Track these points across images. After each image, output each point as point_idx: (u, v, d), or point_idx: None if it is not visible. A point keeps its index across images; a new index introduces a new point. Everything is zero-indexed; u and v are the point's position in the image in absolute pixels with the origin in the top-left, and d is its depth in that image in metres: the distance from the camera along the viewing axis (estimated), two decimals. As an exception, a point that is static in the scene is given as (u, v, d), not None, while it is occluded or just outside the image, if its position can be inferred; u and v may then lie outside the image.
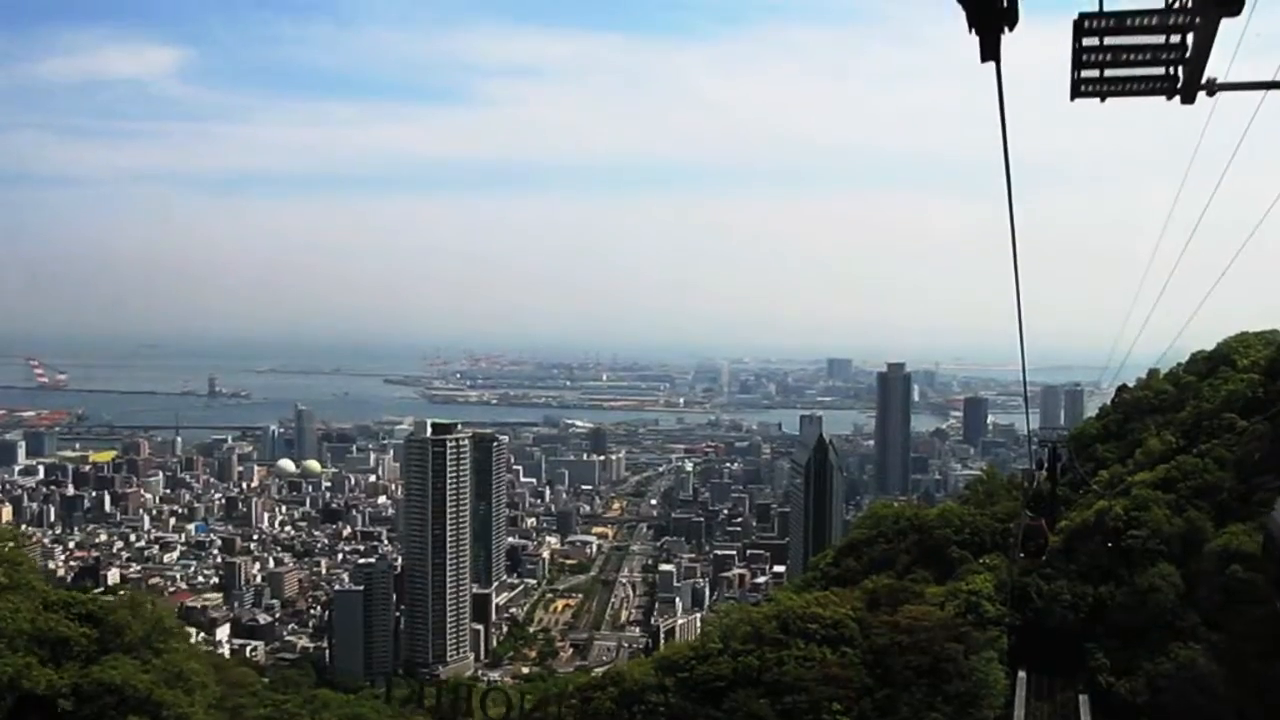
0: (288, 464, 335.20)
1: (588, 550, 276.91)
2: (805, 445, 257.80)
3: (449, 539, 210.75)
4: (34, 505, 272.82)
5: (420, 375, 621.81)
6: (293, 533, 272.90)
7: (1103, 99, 7.93)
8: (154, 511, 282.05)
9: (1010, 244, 10.90)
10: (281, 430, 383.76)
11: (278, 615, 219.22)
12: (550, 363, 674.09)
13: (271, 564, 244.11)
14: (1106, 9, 7.54)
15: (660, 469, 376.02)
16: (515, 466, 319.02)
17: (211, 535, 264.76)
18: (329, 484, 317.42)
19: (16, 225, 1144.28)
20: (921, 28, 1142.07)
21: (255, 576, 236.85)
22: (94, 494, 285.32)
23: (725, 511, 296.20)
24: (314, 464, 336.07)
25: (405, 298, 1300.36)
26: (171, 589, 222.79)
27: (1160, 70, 7.74)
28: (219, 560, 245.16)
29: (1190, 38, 7.47)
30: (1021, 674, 51.98)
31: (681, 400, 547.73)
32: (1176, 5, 7.39)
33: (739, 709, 51.50)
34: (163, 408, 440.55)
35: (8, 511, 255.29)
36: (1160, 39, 7.53)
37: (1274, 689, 42.77)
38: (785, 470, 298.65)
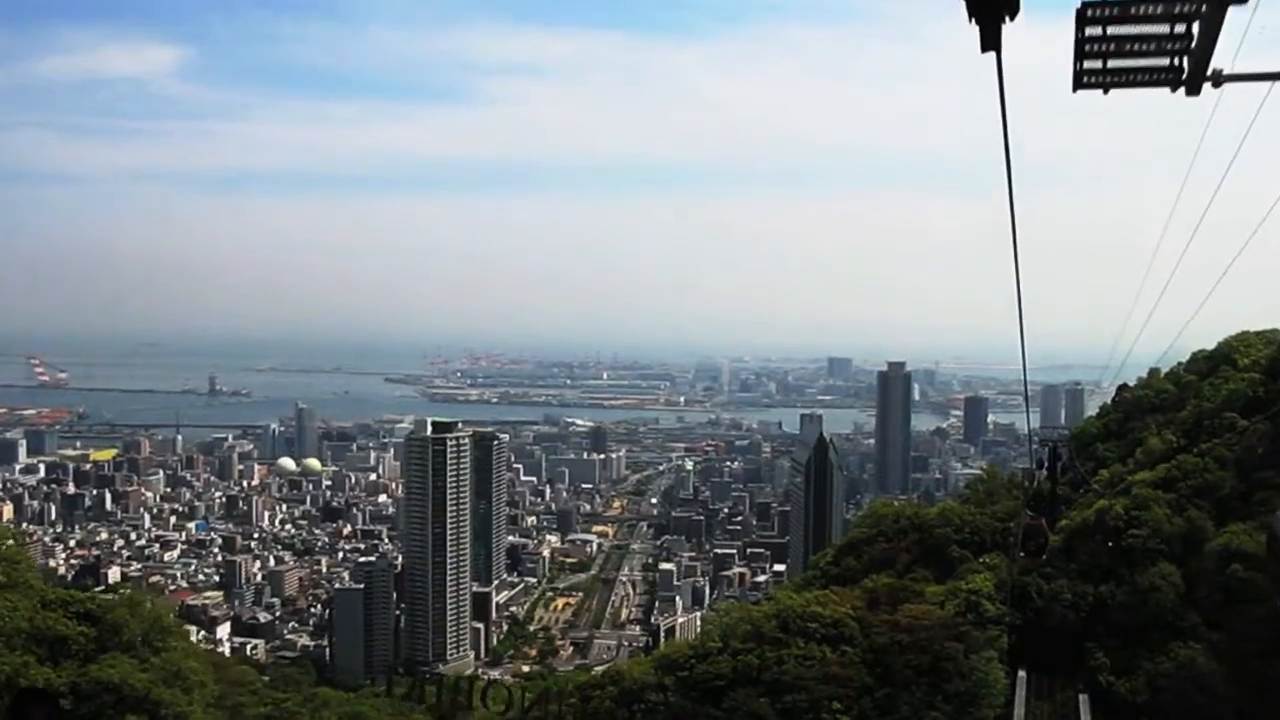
0: (288, 462, 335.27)
1: (588, 549, 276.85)
2: (805, 444, 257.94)
3: (449, 537, 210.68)
4: (35, 503, 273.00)
5: (421, 374, 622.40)
6: (293, 531, 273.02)
7: (1106, 90, 7.75)
8: (154, 510, 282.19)
9: (1011, 241, 10.82)
10: (282, 429, 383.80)
11: (278, 613, 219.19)
12: (550, 361, 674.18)
13: (272, 562, 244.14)
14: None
15: (660, 468, 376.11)
16: (515, 465, 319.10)
17: (212, 533, 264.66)
18: (329, 482, 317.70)
19: (17, 224, 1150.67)
20: (921, 26, 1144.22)
21: (256, 575, 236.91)
22: (95, 492, 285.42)
23: (725, 510, 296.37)
24: (314, 462, 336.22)
25: (406, 296, 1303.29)
26: (172, 587, 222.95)
27: (1165, 61, 7.58)
28: (219, 558, 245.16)
29: (1196, 27, 7.32)
30: (1021, 673, 51.85)
31: (682, 399, 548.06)
32: None
33: (739, 708, 51.34)
34: (163, 406, 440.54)
35: (9, 510, 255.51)
36: (1165, 28, 7.37)
37: (1275, 688, 42.65)
38: (785, 469, 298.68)
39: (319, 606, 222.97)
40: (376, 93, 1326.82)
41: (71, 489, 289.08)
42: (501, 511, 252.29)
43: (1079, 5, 7.35)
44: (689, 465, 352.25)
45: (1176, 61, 7.58)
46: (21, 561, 39.91)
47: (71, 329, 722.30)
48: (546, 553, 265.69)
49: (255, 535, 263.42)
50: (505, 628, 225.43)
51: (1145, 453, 67.64)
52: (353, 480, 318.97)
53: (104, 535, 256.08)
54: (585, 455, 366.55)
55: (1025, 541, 43.53)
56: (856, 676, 51.87)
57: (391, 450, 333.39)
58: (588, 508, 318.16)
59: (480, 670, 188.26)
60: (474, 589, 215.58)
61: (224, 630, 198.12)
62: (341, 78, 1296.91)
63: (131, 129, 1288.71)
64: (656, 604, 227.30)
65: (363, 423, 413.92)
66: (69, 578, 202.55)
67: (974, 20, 5.72)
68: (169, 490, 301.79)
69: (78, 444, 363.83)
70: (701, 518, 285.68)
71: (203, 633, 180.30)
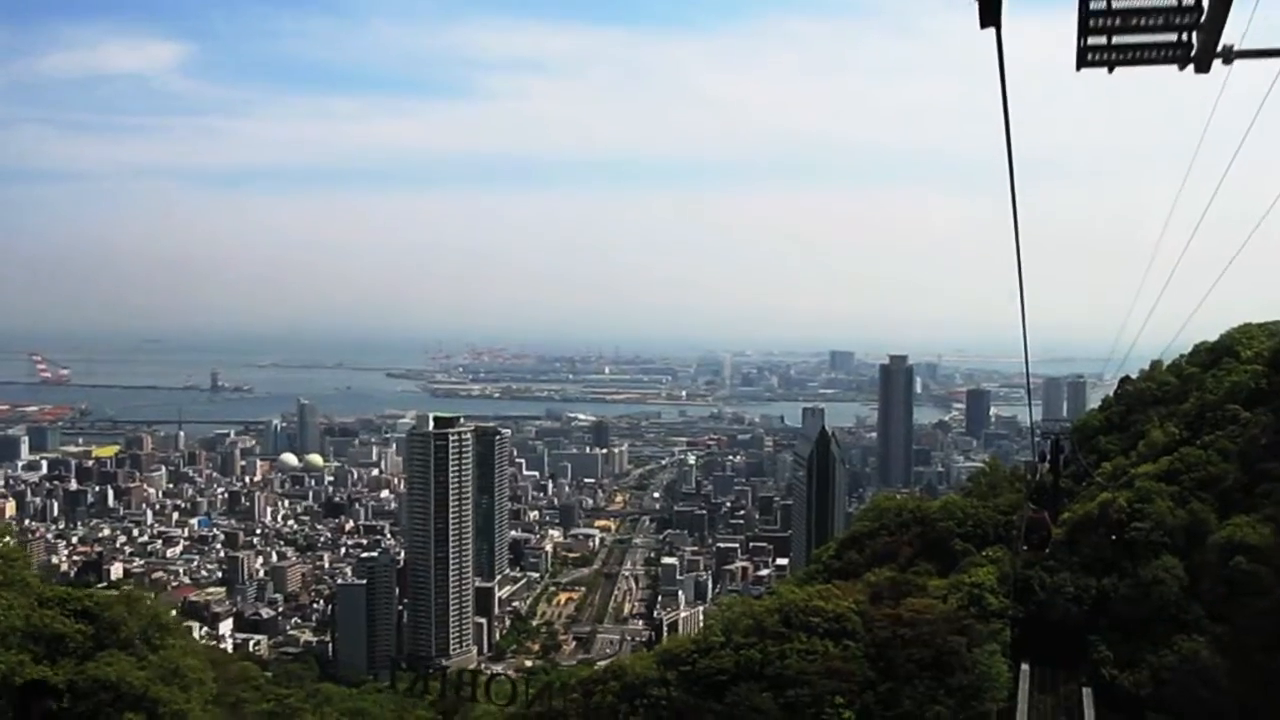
0: (290, 458, 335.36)
1: (590, 543, 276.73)
2: (808, 438, 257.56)
3: (452, 533, 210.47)
4: (37, 500, 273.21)
5: (423, 369, 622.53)
6: (295, 527, 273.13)
7: (1110, 69, 7.47)
8: (157, 506, 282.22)
9: (1013, 233, 10.64)
10: (284, 425, 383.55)
11: (280, 609, 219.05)
12: (553, 356, 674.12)
13: (274, 558, 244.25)
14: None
15: (663, 462, 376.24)
16: (518, 460, 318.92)
17: (214, 530, 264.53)
18: (331, 478, 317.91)
19: (18, 221, 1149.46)
20: (919, 20, 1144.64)
21: (258, 571, 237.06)
22: (97, 489, 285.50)
23: (728, 504, 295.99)
24: (316, 458, 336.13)
25: (408, 292, 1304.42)
26: (174, 583, 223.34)
27: (1173, 36, 7.29)
28: (222, 555, 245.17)
29: (1206, 1, 7.06)
30: (1024, 667, 51.75)
31: (684, 393, 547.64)
32: None
33: (741, 702, 51.25)
34: (165, 402, 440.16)
35: (11, 506, 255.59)
36: (1173, 1, 7.07)
37: (1278, 681, 42.55)
38: (788, 463, 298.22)
39: (321, 602, 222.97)
40: (378, 88, 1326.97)
41: (74, 485, 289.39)
42: (504, 506, 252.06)
43: None
44: (691, 459, 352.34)
45: (1185, 37, 7.29)
46: (18, 559, 39.76)
47: (73, 325, 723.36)
48: (549, 547, 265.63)
49: (257, 531, 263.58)
50: (508, 623, 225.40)
51: (1148, 445, 67.56)
52: (355, 476, 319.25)
53: (106, 532, 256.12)
54: (587, 450, 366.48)
55: (1028, 535, 43.48)
56: (859, 671, 51.80)
57: (394, 446, 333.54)
58: (590, 502, 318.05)
59: (483, 665, 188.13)
60: (476, 584, 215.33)
61: (226, 626, 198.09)
62: (343, 73, 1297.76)
63: (133, 125, 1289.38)
64: (659, 598, 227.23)
65: (365, 418, 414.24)
66: (71, 574, 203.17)
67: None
68: (171, 486, 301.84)
69: (80, 440, 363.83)
70: (704, 512, 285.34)
71: (205, 629, 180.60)
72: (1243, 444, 59.69)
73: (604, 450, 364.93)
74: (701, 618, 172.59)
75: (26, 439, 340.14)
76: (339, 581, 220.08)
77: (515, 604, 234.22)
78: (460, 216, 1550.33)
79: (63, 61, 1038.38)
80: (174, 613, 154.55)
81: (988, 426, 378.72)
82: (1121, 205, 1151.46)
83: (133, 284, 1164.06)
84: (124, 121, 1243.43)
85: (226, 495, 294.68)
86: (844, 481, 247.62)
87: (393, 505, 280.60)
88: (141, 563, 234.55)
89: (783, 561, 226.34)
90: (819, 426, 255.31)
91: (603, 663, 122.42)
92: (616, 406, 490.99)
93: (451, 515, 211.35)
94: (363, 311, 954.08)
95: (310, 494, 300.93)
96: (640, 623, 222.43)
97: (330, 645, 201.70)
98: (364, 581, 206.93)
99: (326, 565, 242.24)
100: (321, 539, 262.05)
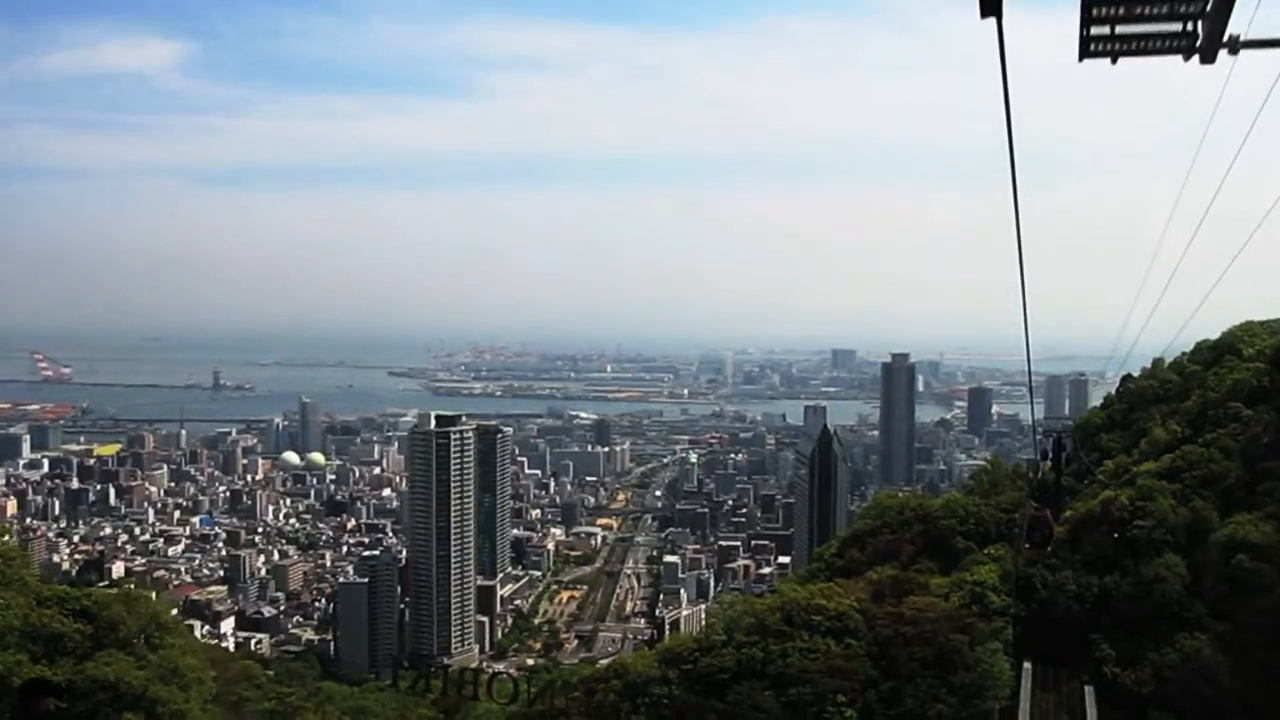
0: (292, 457, 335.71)
1: (592, 542, 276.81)
2: (810, 436, 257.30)
3: (453, 531, 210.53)
4: (39, 499, 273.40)
5: (424, 367, 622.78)
6: (297, 525, 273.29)
7: (1114, 59, 7.29)
8: (158, 505, 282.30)
9: (1014, 231, 10.55)
10: (286, 423, 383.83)
11: (282, 608, 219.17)
12: (554, 354, 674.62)
13: (276, 556, 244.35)
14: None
15: (665, 460, 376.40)
16: (519, 458, 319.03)
17: (216, 528, 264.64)
18: (333, 476, 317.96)
19: (20, 219, 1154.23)
20: (921, 18, 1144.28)
21: (260, 569, 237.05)
22: (99, 487, 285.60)
23: (730, 502, 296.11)
24: (318, 456, 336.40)
25: (409, 290, 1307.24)
26: (176, 582, 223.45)
27: (1178, 26, 7.13)
28: (224, 553, 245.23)
29: None
30: (1026, 665, 51.64)
31: (686, 391, 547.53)
32: None
33: (743, 701, 51.11)
34: (167, 401, 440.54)
35: (12, 505, 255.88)
36: None
37: (1281, 679, 42.48)
38: (790, 461, 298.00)
39: (323, 601, 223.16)
40: (378, 86, 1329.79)
41: (75, 484, 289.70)
42: (506, 505, 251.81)
43: None
44: (693, 458, 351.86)
45: (1190, 26, 7.13)
46: (15, 558, 39.66)
47: (75, 324, 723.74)
48: (551, 546, 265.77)
49: (259, 530, 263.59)
50: (510, 621, 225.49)
51: (1150, 443, 67.34)
52: (357, 474, 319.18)
53: (108, 530, 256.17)
54: (589, 448, 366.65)
55: (1030, 533, 43.41)
56: (861, 669, 51.66)
57: (395, 444, 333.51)
58: (592, 501, 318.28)
59: (485, 664, 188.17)
60: (478, 582, 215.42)
61: (228, 625, 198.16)
62: (344, 72, 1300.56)
63: (134, 124, 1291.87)
64: (661, 597, 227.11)
65: (366, 416, 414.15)
66: (73, 573, 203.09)
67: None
68: (173, 485, 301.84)
69: (82, 439, 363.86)
70: (706, 510, 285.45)
71: (207, 627, 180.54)
72: (1245, 442, 59.50)
73: (606, 448, 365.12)
74: (703, 616, 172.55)
75: (28, 437, 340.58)
76: (341, 580, 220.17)
77: (517, 602, 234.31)
78: (461, 214, 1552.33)
79: (64, 60, 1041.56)
80: (175, 611, 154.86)
81: (990, 424, 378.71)
82: (1123, 202, 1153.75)
83: (134, 282, 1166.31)
84: (125, 120, 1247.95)
85: (228, 494, 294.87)
86: (846, 480, 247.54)
87: (394, 504, 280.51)
88: (143, 561, 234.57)
89: (785, 560, 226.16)
90: (821, 424, 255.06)
91: (604, 661, 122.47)
92: (618, 405, 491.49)
93: (453, 513, 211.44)
94: (364, 310, 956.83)
95: (312, 492, 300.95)
96: (642, 621, 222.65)
97: (332, 644, 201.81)
98: (366, 580, 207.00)
99: (328, 564, 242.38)
100: (323, 537, 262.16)
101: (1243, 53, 7.50)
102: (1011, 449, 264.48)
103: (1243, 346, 72.57)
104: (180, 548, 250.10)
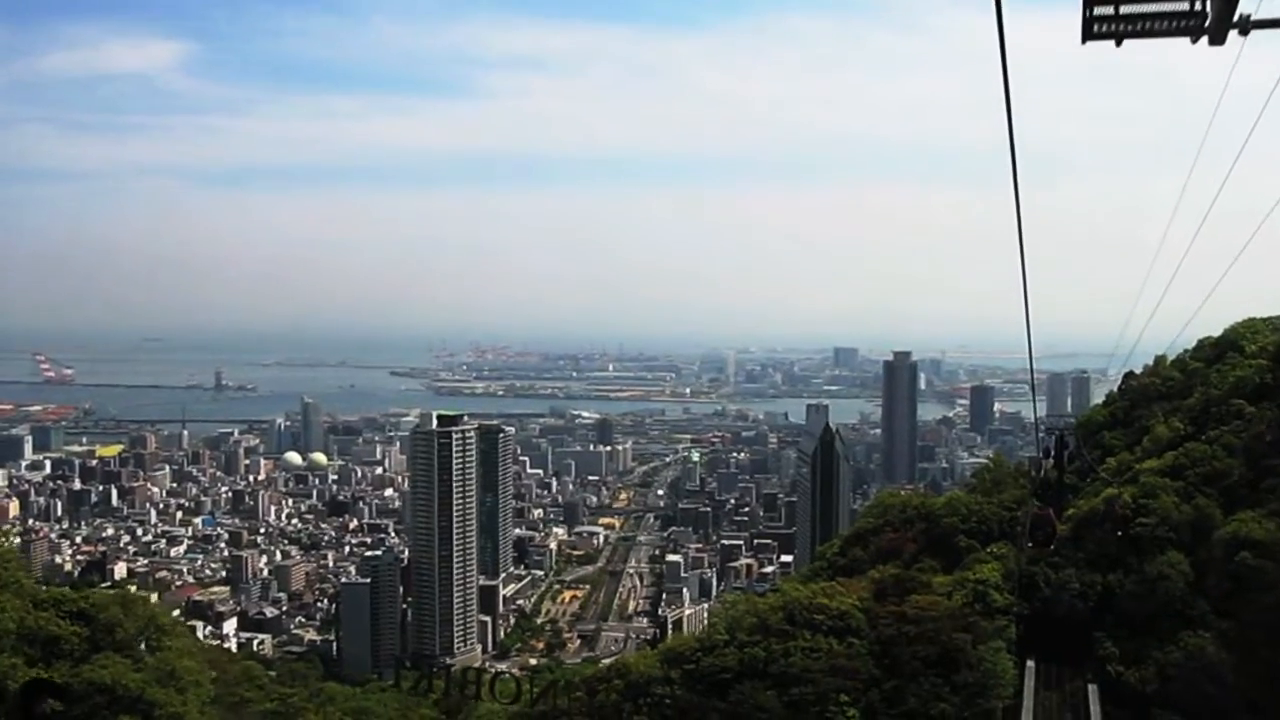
0: (294, 457, 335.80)
1: (595, 541, 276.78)
2: (812, 434, 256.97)
3: (455, 531, 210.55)
4: (41, 500, 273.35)
5: (426, 367, 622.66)
6: (299, 525, 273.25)
7: (1118, 41, 6.98)
8: (160, 505, 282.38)
9: (1016, 229, 10.40)
10: (288, 423, 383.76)
11: (285, 608, 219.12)
12: (556, 354, 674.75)
13: (278, 557, 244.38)
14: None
15: (667, 459, 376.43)
16: (522, 458, 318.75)
17: (218, 529, 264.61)
18: (335, 476, 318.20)
19: (20, 220, 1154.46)
20: (924, 17, 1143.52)
21: (262, 569, 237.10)
22: (101, 488, 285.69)
23: (732, 501, 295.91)
24: (320, 457, 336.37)
25: (410, 290, 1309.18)
26: (178, 583, 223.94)
27: (1185, 5, 6.85)
28: (226, 554, 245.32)
29: None
30: (1029, 663, 51.37)
31: (688, 390, 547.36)
32: None
33: (745, 701, 50.98)
34: (169, 401, 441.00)
35: (15, 506, 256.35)
36: None
37: (1285, 677, 42.26)
38: (792, 459, 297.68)
39: (325, 601, 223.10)
40: (379, 86, 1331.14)
41: (77, 485, 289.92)
42: (508, 504, 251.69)
43: None
44: (695, 456, 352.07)
45: (1198, 5, 6.85)
46: (11, 560, 39.50)
47: (76, 325, 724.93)
48: (553, 545, 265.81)
49: (261, 530, 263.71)
50: (512, 621, 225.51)
51: (1152, 440, 67.18)
52: (359, 474, 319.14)
53: (110, 531, 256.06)
54: (591, 447, 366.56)
55: (1033, 531, 43.15)
56: (864, 668, 51.53)
57: (397, 444, 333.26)
58: (594, 500, 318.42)
59: (487, 663, 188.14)
60: (481, 582, 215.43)
61: (230, 625, 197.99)
62: (344, 71, 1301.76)
63: (134, 125, 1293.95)
64: (664, 596, 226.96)
65: (368, 416, 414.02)
66: (75, 574, 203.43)
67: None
68: (175, 486, 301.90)
69: (83, 440, 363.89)
70: (708, 509, 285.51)
71: (209, 628, 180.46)
72: (1248, 439, 59.32)
73: (608, 448, 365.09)
74: (706, 615, 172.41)
75: (30, 438, 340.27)
76: (343, 580, 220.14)
77: (519, 602, 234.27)
78: (462, 214, 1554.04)
79: (65, 61, 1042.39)
80: (177, 612, 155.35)
81: (992, 422, 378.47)
82: (1125, 199, 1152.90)
83: (136, 283, 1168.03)
84: (126, 121, 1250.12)
85: (230, 494, 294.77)
86: (848, 478, 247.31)
87: (397, 503, 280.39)
88: (145, 562, 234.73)
89: (787, 558, 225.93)
90: (823, 423, 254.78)
91: (607, 661, 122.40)
92: (620, 404, 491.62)
93: (455, 513, 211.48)
94: (366, 309, 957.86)
95: (314, 492, 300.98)
96: (645, 620, 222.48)
97: (334, 644, 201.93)
98: (368, 580, 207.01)
99: (330, 564, 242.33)
100: (325, 538, 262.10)
101: (1249, 44, 7.27)
102: (1014, 447, 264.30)
103: (1245, 343, 72.35)
104: (182, 548, 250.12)
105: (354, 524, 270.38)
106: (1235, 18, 6.90)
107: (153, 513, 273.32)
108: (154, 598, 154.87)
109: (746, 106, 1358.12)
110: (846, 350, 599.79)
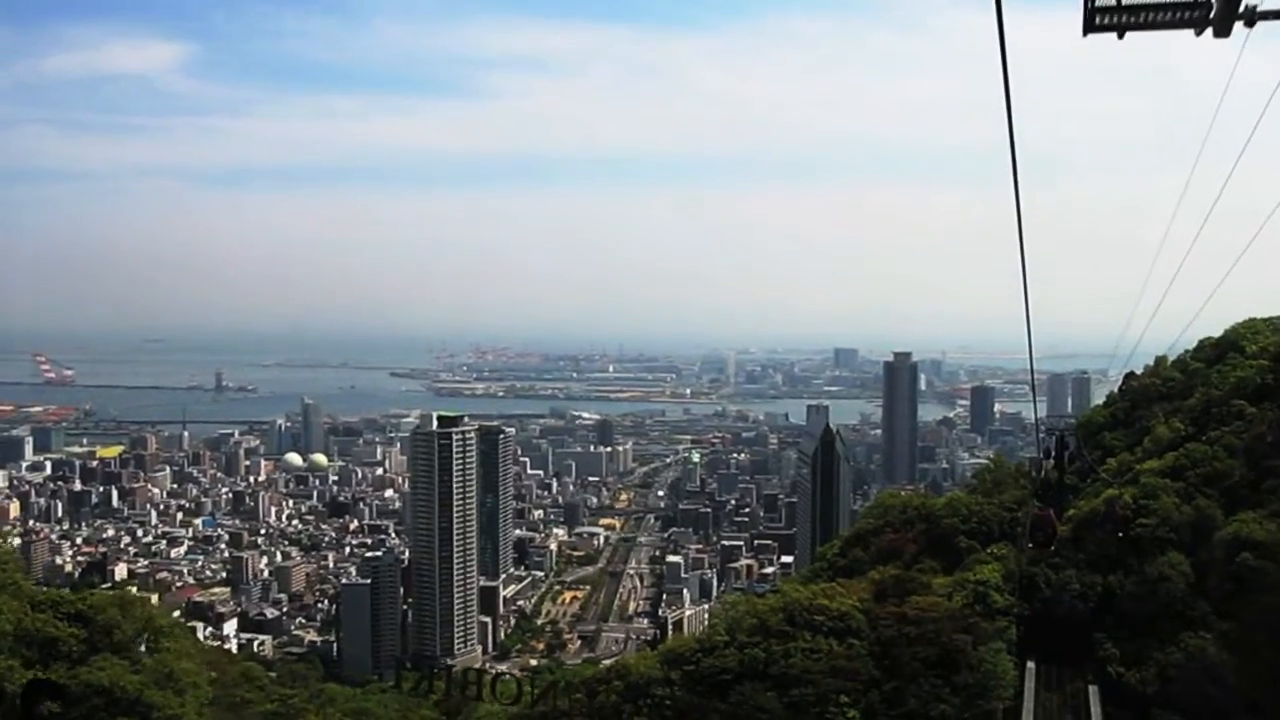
0: (294, 458, 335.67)
1: (595, 542, 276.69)
2: (812, 435, 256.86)
3: (456, 532, 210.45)
4: (41, 501, 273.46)
5: (427, 368, 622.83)
6: (300, 527, 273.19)
7: (1121, 34, 6.81)
8: (161, 506, 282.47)
9: (1017, 229, 10.33)
10: (288, 424, 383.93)
11: (285, 609, 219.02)
12: (556, 355, 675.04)
13: (279, 558, 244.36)
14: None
15: (667, 460, 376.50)
16: (522, 459, 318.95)
17: (219, 530, 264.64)
18: (336, 477, 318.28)
19: (21, 221, 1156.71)
20: (924, 17, 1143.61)
21: (262, 570, 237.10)
22: (101, 489, 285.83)
23: (732, 502, 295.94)
24: (321, 458, 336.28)
25: (411, 290, 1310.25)
26: (179, 584, 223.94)
27: None
28: (226, 555, 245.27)
29: None
30: (1030, 664, 51.31)
31: (688, 391, 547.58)
32: None
33: (745, 702, 50.86)
34: (169, 402, 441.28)
35: (15, 507, 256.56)
36: None
37: (1287, 678, 42.16)
38: (792, 460, 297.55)
39: (326, 602, 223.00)
40: (379, 87, 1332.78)
41: (78, 486, 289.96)
42: (508, 505, 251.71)
43: None
44: (696, 457, 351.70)
45: None
46: (9, 562, 39.39)
47: (77, 326, 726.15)
48: (553, 546, 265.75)
49: (262, 531, 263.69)
50: (513, 621, 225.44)
51: (1153, 441, 67.11)
52: (359, 475, 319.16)
53: (110, 532, 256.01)
54: (592, 448, 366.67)
55: (1033, 531, 43.06)
56: (864, 669, 51.40)
57: (398, 445, 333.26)
58: (594, 501, 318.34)
59: (488, 664, 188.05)
60: (481, 583, 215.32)
61: (231, 626, 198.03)
62: (345, 72, 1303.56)
63: (135, 125, 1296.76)
64: (664, 597, 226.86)
65: (369, 417, 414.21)
66: (76, 575, 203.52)
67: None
68: (175, 486, 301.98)
69: (84, 441, 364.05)
70: (708, 510, 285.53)
71: (209, 629, 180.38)
72: (1248, 439, 59.23)
73: (608, 448, 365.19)
74: (706, 616, 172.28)
75: (31, 439, 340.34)
76: (343, 581, 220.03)
77: (520, 603, 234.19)
78: (463, 215, 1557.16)
79: (66, 62, 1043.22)
80: (176, 613, 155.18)
81: (992, 423, 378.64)
82: (1126, 199, 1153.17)
83: (136, 284, 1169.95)
84: (127, 121, 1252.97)
85: (231, 495, 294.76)
86: (849, 479, 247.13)
87: (397, 504, 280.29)
88: (146, 563, 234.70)
89: (787, 559, 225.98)
90: (823, 424, 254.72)
91: (608, 661, 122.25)
92: (621, 405, 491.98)
93: (456, 514, 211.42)
94: (366, 310, 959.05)
95: (314, 494, 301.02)
96: (645, 621, 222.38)
97: (335, 645, 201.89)
98: (368, 581, 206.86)
99: (331, 565, 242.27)
100: (326, 539, 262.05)
101: (1251, 40, 7.15)
102: (1014, 447, 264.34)
103: (1246, 344, 72.28)
104: (183, 549, 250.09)
105: (354, 525, 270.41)
106: (1241, 9, 6.69)
107: (153, 514, 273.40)
108: (154, 599, 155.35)
109: (746, 107, 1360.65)
110: (847, 351, 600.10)
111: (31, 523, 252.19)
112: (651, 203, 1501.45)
